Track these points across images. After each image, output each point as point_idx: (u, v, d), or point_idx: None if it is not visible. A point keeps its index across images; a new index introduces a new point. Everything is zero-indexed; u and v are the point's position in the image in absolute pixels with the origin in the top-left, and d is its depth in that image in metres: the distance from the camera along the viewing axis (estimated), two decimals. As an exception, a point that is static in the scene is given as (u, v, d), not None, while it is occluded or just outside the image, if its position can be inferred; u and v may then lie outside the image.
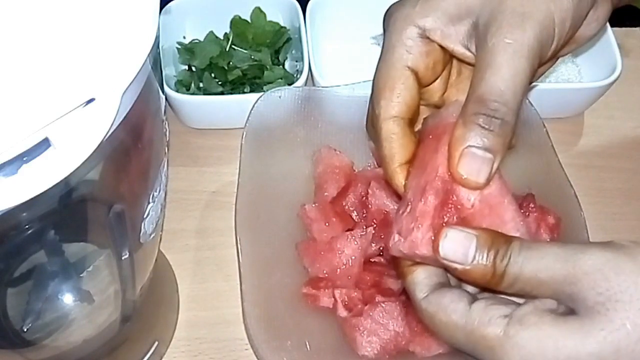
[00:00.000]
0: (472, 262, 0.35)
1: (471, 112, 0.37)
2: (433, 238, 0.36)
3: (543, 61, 0.39)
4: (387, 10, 0.43)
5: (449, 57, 0.43)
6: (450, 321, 0.35)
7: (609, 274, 0.32)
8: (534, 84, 0.67)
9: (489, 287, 0.36)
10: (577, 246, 0.34)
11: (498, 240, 0.35)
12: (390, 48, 0.41)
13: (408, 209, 0.38)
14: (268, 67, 0.70)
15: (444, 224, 0.36)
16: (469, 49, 0.41)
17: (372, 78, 0.43)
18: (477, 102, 0.37)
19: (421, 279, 0.38)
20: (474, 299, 0.36)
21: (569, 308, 0.34)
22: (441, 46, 0.41)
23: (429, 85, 0.43)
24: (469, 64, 0.42)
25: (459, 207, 0.37)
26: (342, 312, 0.53)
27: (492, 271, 0.35)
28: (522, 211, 0.54)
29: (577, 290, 0.33)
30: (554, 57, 0.42)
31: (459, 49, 0.41)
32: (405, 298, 0.53)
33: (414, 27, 0.41)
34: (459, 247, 0.35)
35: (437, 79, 0.43)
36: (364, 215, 0.58)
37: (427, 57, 0.41)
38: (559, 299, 0.34)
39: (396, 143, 0.40)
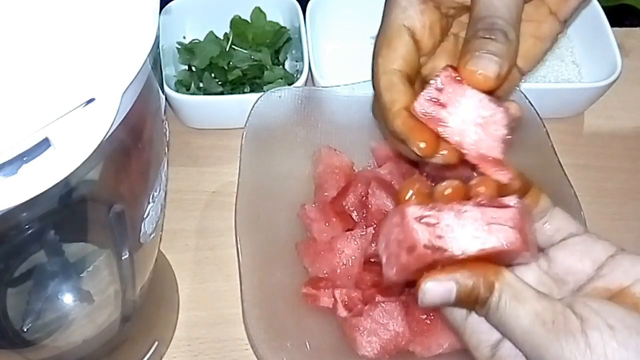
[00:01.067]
0: (454, 305, 0.36)
1: (472, 32, 0.39)
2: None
3: None
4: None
5: (446, 20, 0.44)
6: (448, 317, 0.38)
7: None
8: (535, 85, 0.68)
9: None
10: (546, 333, 0.33)
11: (479, 283, 0.34)
12: (387, 11, 0.43)
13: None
14: (268, 67, 0.70)
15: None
16: None
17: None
18: (476, 22, 0.39)
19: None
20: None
21: None
22: (437, 5, 0.43)
23: (430, 50, 0.44)
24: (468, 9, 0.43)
25: (450, 259, 0.35)
26: (342, 312, 0.53)
27: (473, 311, 0.36)
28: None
29: None
30: None
31: None
32: (406, 298, 0.53)
33: None
34: (437, 300, 0.35)
35: (437, 45, 0.44)
36: (364, 215, 0.58)
37: (422, 15, 0.42)
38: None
39: (396, 90, 0.41)
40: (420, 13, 0.42)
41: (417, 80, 0.43)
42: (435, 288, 0.35)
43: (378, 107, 0.42)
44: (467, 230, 0.34)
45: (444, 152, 0.38)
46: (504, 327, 0.34)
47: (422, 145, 0.37)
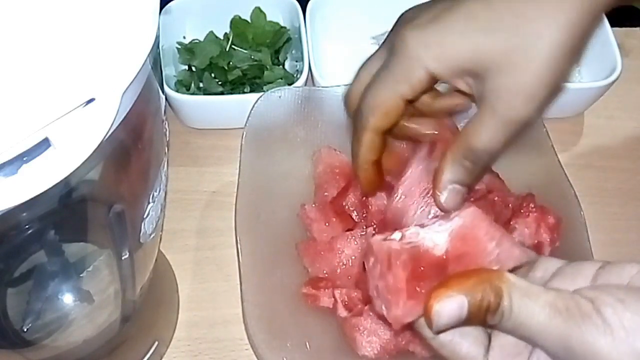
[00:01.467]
0: (465, 323, 0.35)
1: (460, 155, 0.42)
2: (414, 303, 0.36)
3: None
4: (399, 19, 0.44)
5: None
6: None
7: None
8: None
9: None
10: (564, 322, 0.33)
11: (486, 293, 0.34)
12: (392, 78, 0.43)
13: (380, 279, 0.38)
14: (268, 67, 0.70)
15: (420, 289, 0.36)
16: (472, 89, 0.43)
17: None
18: (468, 150, 0.41)
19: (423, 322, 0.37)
20: (488, 343, 0.37)
21: None
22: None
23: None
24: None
25: (431, 259, 0.36)
26: (342, 312, 0.53)
27: (485, 324, 0.35)
28: (514, 221, 0.54)
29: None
30: None
31: (464, 87, 0.43)
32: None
33: (423, 70, 0.42)
34: (453, 318, 0.34)
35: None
36: (364, 215, 0.58)
37: (426, 90, 0.43)
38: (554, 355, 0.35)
39: (373, 149, 0.46)
40: (424, 89, 0.43)
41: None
42: (447, 306, 0.34)
43: (354, 122, 0.46)
44: (431, 228, 0.37)
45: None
46: (521, 328, 0.34)
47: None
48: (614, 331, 0.32)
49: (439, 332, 0.35)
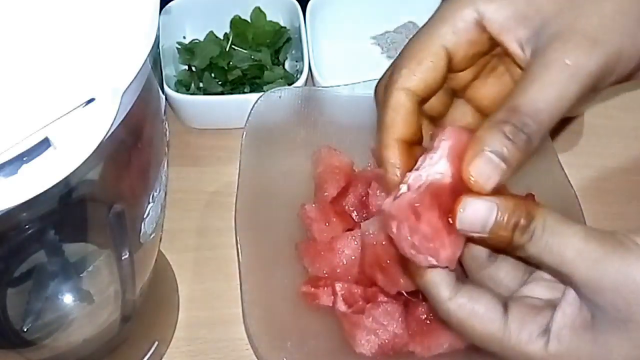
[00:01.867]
0: (490, 233, 0.33)
1: (500, 119, 0.35)
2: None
3: (594, 92, 0.37)
4: None
5: (493, 48, 0.40)
6: (486, 331, 0.35)
7: (629, 297, 0.32)
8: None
9: (508, 253, 0.35)
10: (601, 246, 0.33)
11: (519, 210, 0.33)
12: (438, 19, 0.38)
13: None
14: (268, 67, 0.70)
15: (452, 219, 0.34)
16: (523, 50, 0.38)
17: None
18: (511, 111, 0.35)
19: (440, 278, 0.36)
20: (506, 303, 0.36)
21: (590, 313, 0.34)
22: (492, 38, 0.39)
23: (459, 71, 0.41)
24: (516, 64, 0.39)
25: (445, 188, 0.35)
26: (342, 307, 0.53)
27: (511, 243, 0.34)
28: None
29: (600, 301, 0.33)
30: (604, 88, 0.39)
31: (514, 47, 0.38)
32: (406, 299, 0.53)
33: (473, 10, 0.38)
34: (478, 218, 0.33)
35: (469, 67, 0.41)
36: (364, 215, 0.58)
37: (471, 46, 0.39)
38: (582, 296, 0.34)
39: (401, 115, 0.38)
40: (470, 44, 0.38)
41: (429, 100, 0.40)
42: (477, 205, 0.33)
43: (383, 94, 0.40)
44: (427, 164, 0.35)
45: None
46: (552, 252, 0.33)
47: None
48: None
49: (462, 229, 0.33)
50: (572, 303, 0.35)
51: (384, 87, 0.40)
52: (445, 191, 0.34)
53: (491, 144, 0.34)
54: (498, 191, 0.35)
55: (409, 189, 0.35)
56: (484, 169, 0.34)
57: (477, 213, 0.33)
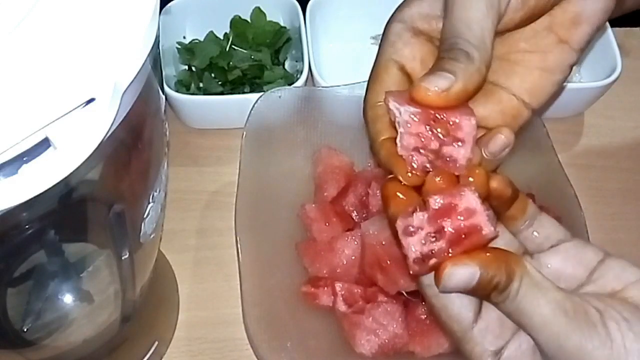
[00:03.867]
0: (470, 292, 0.35)
1: (437, 58, 0.38)
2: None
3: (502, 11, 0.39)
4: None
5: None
6: (451, 327, 0.36)
7: None
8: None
9: None
10: (568, 322, 0.33)
11: (500, 272, 0.34)
12: (379, 48, 0.42)
13: None
14: (268, 67, 0.70)
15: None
16: None
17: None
18: (441, 46, 0.38)
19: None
20: (479, 312, 0.37)
21: None
22: (429, 35, 0.41)
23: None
24: None
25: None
26: (342, 307, 0.53)
27: (488, 299, 0.35)
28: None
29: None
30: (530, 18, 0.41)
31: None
32: (406, 299, 0.53)
33: (397, 22, 0.41)
34: (460, 285, 0.35)
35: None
36: (364, 215, 0.58)
37: (412, 47, 0.41)
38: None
39: (379, 123, 0.40)
40: (410, 45, 0.41)
41: None
42: (460, 271, 0.34)
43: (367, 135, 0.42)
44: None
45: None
46: (522, 314, 0.34)
47: (409, 175, 0.37)
48: (614, 347, 0.32)
49: (443, 292, 0.35)
50: (530, 340, 0.35)
51: (369, 104, 0.42)
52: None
53: (433, 70, 0.37)
54: (501, 190, 0.36)
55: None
56: (431, 81, 0.36)
57: (460, 280, 0.34)
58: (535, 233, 0.39)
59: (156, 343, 0.55)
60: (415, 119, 0.36)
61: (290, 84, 0.66)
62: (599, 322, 0.33)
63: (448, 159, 0.37)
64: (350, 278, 0.55)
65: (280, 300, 0.54)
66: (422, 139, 0.36)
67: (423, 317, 0.52)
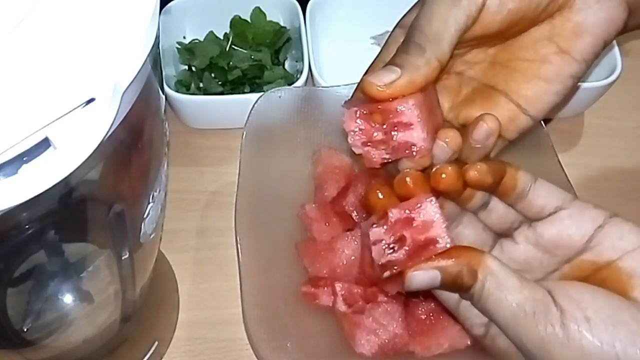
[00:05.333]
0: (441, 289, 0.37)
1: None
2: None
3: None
4: None
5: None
6: (445, 305, 0.39)
7: None
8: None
9: None
10: (539, 315, 0.35)
11: (460, 275, 0.36)
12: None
13: None
14: (268, 67, 0.70)
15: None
16: None
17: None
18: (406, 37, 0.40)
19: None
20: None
21: None
22: None
23: None
24: None
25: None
26: (342, 307, 0.53)
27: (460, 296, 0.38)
28: None
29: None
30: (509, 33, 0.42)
31: None
32: (406, 299, 0.53)
33: (397, 28, 0.44)
34: (423, 285, 0.37)
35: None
36: (364, 215, 0.58)
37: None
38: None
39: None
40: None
41: None
42: (420, 276, 0.36)
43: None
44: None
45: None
46: (488, 313, 0.36)
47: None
48: (571, 349, 0.33)
49: (409, 290, 0.37)
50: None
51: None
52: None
53: (388, 62, 0.39)
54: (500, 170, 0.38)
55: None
56: (377, 76, 0.37)
57: (422, 282, 0.36)
58: (532, 201, 0.40)
59: (156, 343, 0.55)
60: (357, 115, 0.38)
61: (290, 84, 0.66)
62: (558, 322, 0.34)
63: (405, 146, 0.38)
64: (350, 278, 0.55)
65: (280, 300, 0.54)
66: (365, 134, 0.38)
67: (423, 317, 0.52)
